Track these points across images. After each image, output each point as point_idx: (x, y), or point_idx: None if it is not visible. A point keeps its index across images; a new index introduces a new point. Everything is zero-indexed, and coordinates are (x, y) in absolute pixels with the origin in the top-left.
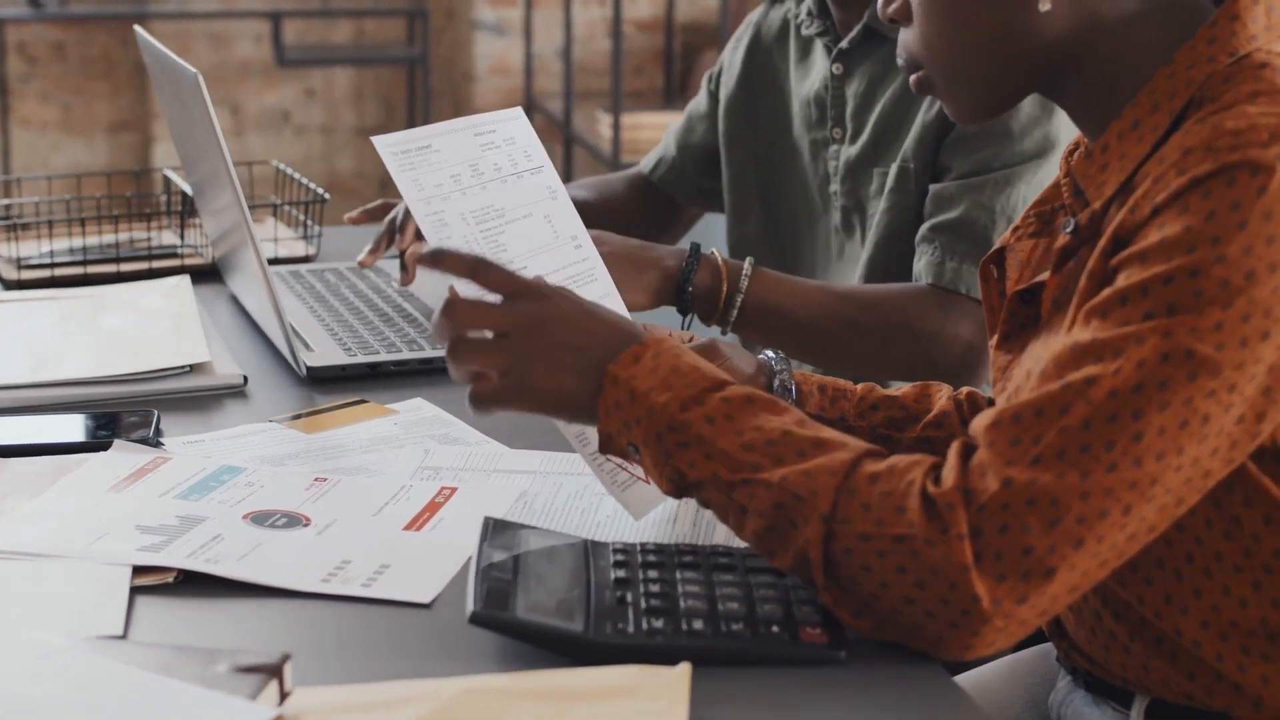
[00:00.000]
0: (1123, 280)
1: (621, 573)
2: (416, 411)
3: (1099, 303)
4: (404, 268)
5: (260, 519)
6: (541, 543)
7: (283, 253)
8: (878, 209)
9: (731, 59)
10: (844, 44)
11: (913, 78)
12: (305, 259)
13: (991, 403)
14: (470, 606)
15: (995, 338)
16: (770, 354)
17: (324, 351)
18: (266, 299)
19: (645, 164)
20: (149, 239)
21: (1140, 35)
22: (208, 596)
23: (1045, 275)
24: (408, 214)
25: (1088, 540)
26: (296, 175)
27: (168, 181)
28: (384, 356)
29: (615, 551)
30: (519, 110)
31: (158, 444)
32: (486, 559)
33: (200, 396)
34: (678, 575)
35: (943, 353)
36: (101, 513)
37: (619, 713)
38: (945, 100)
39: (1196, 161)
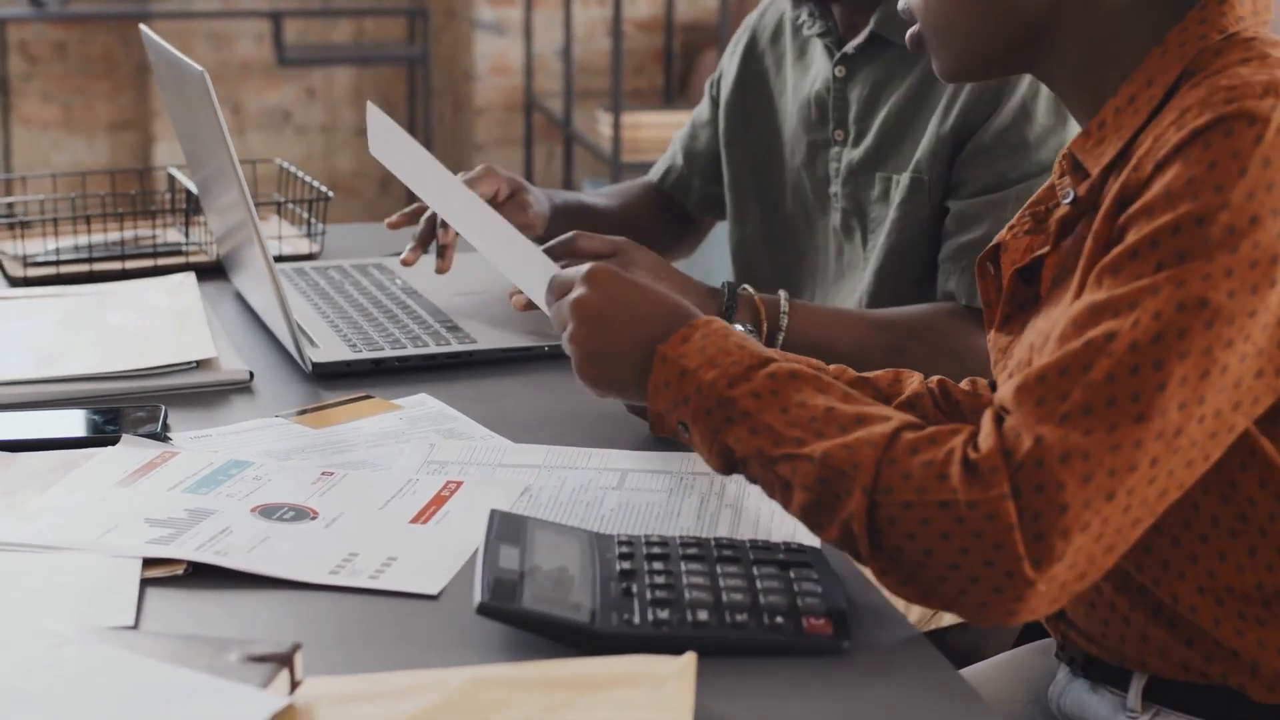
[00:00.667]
0: (1132, 236)
1: (626, 564)
2: (421, 407)
3: (1110, 261)
4: (441, 255)
5: (268, 512)
6: (547, 535)
7: (287, 250)
8: (882, 215)
9: (729, 63)
10: (849, 49)
11: (909, 33)
12: (309, 256)
13: (993, 386)
14: (478, 597)
15: (995, 322)
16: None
17: (329, 348)
18: (272, 295)
19: (655, 173)
20: (154, 236)
21: (1133, 17)
22: (217, 588)
23: (1045, 250)
24: None
25: (1118, 493)
26: (300, 173)
27: (172, 179)
28: (389, 352)
29: (620, 544)
30: (371, 109)
31: (165, 439)
32: (493, 551)
33: (206, 392)
34: (682, 567)
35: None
36: (110, 506)
37: (625, 701)
38: (933, 55)
39: (1194, 116)
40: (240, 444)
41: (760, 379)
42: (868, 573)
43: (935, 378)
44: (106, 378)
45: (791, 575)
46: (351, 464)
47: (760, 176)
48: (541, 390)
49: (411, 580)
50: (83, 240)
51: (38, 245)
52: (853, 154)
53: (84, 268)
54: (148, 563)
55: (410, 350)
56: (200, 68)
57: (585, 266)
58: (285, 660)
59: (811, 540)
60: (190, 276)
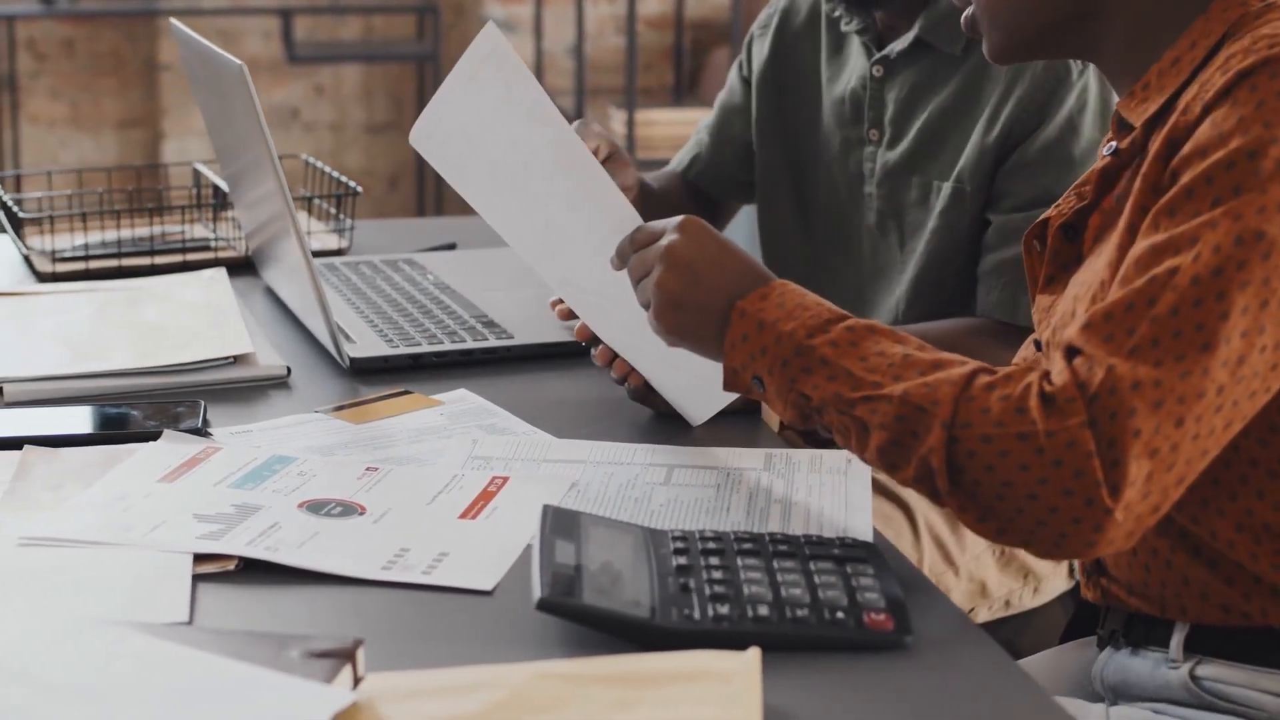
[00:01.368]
0: (1186, 176)
1: (682, 560)
2: (461, 402)
3: (1166, 203)
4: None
5: (315, 508)
6: (600, 530)
7: (315, 246)
8: (919, 219)
9: (759, 43)
10: (890, 51)
11: (964, 15)
12: (338, 252)
13: (1038, 346)
14: (537, 593)
15: (1039, 283)
16: None
17: (365, 343)
18: (309, 290)
19: (678, 164)
20: (182, 232)
21: None
22: (269, 584)
23: (1087, 203)
24: None
25: (1188, 420)
26: (327, 169)
27: (198, 175)
28: (426, 348)
29: (674, 539)
30: (490, 28)
31: (206, 434)
32: (549, 546)
33: (244, 387)
34: (739, 562)
35: None
36: (156, 501)
37: (693, 697)
38: (985, 34)
39: (1239, 60)
40: (282, 439)
41: (839, 330)
42: (919, 562)
43: None
44: (143, 373)
45: (848, 570)
46: (395, 459)
47: (794, 163)
48: (581, 385)
49: (465, 575)
50: (110, 236)
51: (65, 241)
52: (888, 155)
53: (113, 263)
54: (198, 558)
55: (448, 345)
56: (239, 61)
57: (677, 218)
58: (348, 655)
59: (865, 535)
60: (221, 271)
